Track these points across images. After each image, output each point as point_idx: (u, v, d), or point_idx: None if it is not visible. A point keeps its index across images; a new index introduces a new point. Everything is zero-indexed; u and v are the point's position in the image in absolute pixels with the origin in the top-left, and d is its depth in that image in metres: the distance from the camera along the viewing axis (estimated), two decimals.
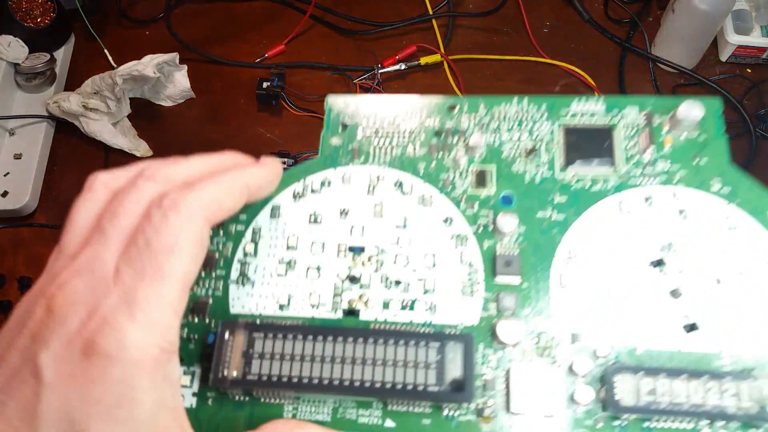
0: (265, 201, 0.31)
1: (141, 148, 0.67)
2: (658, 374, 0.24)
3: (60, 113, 0.66)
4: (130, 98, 0.66)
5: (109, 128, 0.65)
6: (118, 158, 0.67)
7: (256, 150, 0.31)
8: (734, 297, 0.26)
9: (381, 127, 0.32)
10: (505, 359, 0.26)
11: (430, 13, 0.72)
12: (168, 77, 0.67)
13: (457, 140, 0.31)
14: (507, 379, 0.26)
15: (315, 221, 0.30)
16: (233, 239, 0.30)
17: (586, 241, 0.28)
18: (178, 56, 0.65)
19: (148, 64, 0.62)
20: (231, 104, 0.69)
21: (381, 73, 0.68)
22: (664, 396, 0.24)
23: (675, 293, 0.26)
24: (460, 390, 0.25)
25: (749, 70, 0.67)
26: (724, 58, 0.67)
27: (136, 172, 0.24)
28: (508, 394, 0.25)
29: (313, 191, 0.31)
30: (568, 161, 0.30)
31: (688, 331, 0.26)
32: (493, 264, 0.28)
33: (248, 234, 0.30)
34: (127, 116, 0.67)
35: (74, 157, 0.68)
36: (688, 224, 0.28)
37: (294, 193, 0.31)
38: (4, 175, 0.66)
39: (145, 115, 0.68)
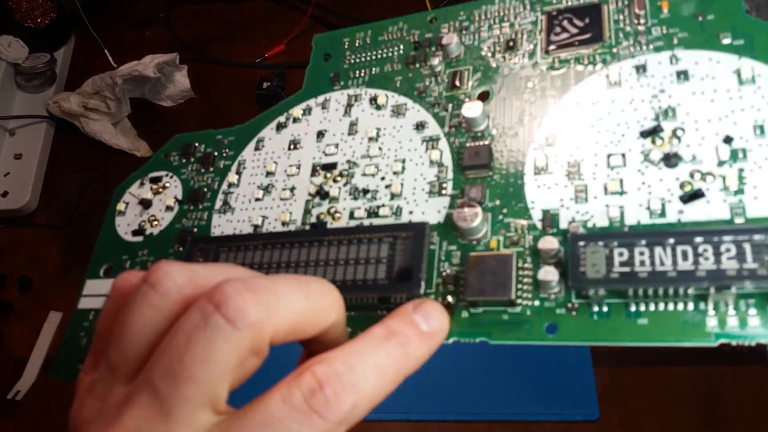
0: (251, 135, 0.31)
1: (141, 148, 0.65)
2: (637, 241, 0.20)
3: (60, 113, 0.65)
4: (130, 98, 0.65)
5: (109, 128, 0.65)
6: (119, 158, 0.65)
7: None
8: (750, 155, 0.21)
9: (363, 52, 0.31)
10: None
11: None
12: (168, 77, 0.66)
13: (435, 49, 0.29)
14: (467, 269, 0.22)
15: (294, 147, 0.29)
16: (221, 174, 0.31)
17: (568, 124, 0.24)
18: (178, 56, 0.64)
19: (149, 65, 0.62)
20: (231, 104, 0.67)
21: None
22: (644, 266, 0.19)
23: (671, 162, 0.22)
24: (407, 279, 0.22)
25: None
26: None
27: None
28: (465, 284, 0.22)
29: (295, 120, 0.30)
30: (550, 45, 0.26)
31: (685, 202, 0.21)
32: (461, 158, 0.25)
33: (234, 167, 0.30)
34: (127, 116, 0.66)
35: (74, 157, 0.67)
36: (689, 86, 0.23)
37: (278, 125, 0.31)
38: (5, 175, 0.65)
39: (145, 116, 0.67)
